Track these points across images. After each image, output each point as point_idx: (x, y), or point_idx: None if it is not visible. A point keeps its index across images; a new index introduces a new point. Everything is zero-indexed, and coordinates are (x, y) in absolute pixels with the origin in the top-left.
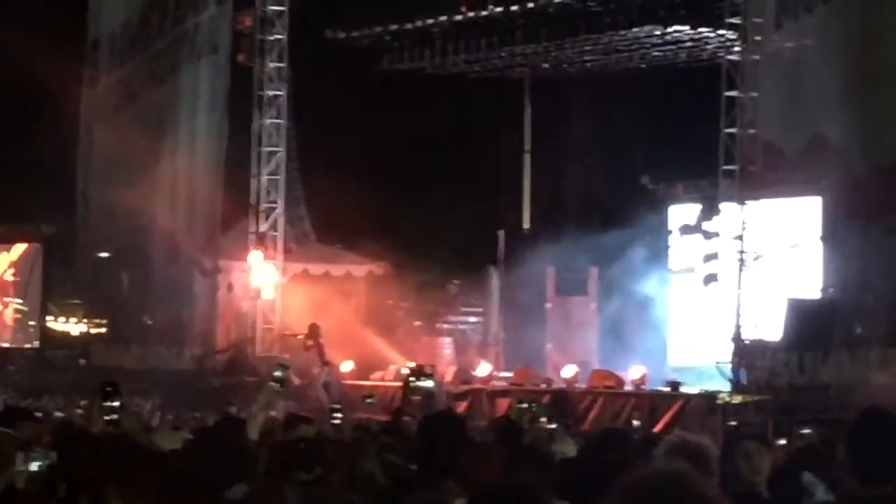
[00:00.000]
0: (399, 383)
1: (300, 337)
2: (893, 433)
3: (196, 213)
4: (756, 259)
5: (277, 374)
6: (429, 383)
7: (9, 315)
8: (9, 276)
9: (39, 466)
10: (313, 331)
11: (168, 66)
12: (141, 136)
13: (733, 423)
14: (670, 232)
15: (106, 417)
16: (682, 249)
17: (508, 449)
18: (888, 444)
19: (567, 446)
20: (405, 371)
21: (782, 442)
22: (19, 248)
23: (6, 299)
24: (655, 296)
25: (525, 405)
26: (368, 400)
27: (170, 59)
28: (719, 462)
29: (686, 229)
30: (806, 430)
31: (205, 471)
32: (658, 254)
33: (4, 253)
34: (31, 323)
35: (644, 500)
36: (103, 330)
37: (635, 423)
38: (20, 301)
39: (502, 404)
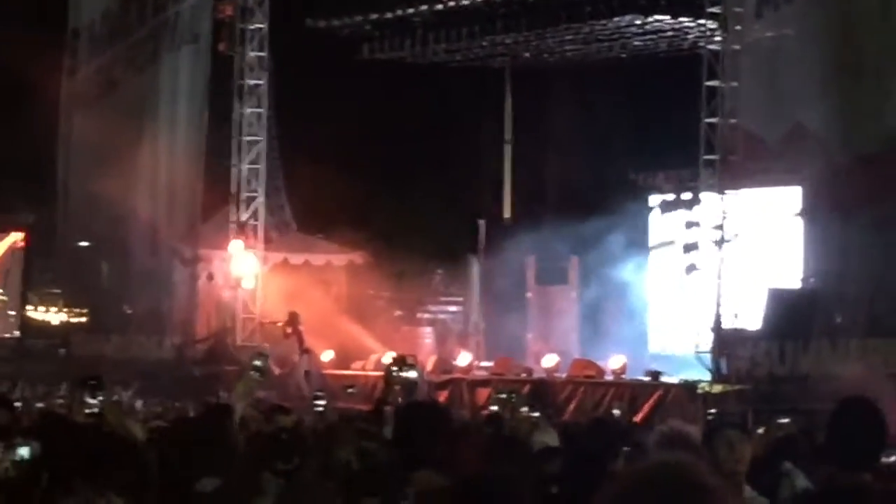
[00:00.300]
0: (380, 373)
1: (279, 324)
2: (871, 421)
3: (176, 203)
4: (734, 237)
5: (257, 363)
6: (411, 373)
7: None
8: None
9: (22, 457)
10: (292, 318)
11: (148, 55)
12: (121, 125)
13: (713, 411)
14: (651, 210)
15: (87, 411)
16: (661, 234)
17: (489, 439)
18: (866, 432)
19: (549, 436)
20: (387, 361)
21: (760, 431)
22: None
23: None
24: (635, 285)
25: (504, 395)
26: (350, 390)
27: (150, 48)
28: (703, 450)
29: (666, 206)
30: (784, 420)
31: (183, 460)
32: (638, 243)
33: None
34: (11, 312)
35: (647, 490)
36: (83, 319)
37: (615, 412)
38: (0, 291)
39: (483, 394)
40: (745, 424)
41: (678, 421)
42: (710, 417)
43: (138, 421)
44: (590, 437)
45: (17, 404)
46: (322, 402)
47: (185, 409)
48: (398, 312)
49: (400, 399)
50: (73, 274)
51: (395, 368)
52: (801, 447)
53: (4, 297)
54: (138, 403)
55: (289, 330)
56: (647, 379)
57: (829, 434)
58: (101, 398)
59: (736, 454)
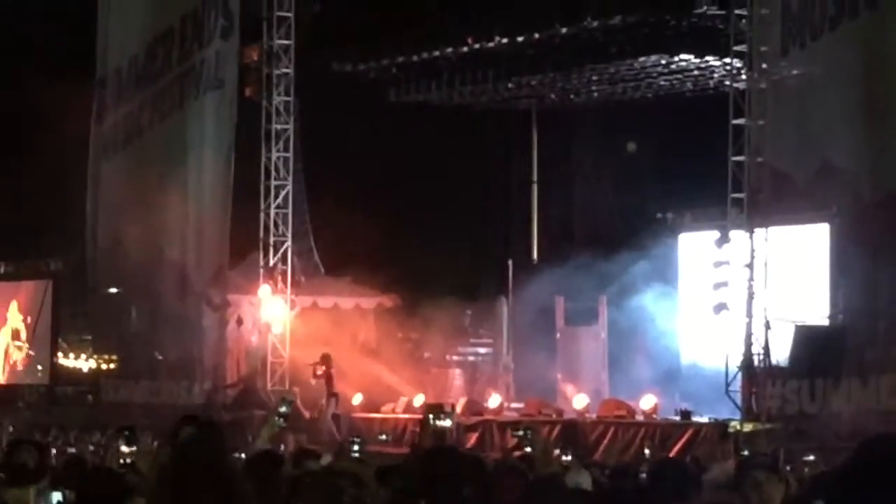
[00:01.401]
0: (410, 416)
1: (311, 364)
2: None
3: (204, 248)
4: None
5: (282, 409)
6: (447, 422)
7: (19, 357)
8: (17, 322)
9: (56, 502)
10: (325, 360)
11: (174, 101)
12: (148, 171)
13: (745, 452)
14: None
15: (122, 461)
16: (690, 273)
17: (524, 481)
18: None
19: (582, 477)
20: (419, 403)
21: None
22: (28, 289)
23: (17, 343)
24: (665, 324)
25: (521, 432)
26: (382, 436)
27: (176, 94)
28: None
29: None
30: (811, 458)
31: None
32: (668, 282)
33: (14, 301)
34: (39, 365)
35: None
36: (113, 366)
37: (646, 451)
38: (28, 344)
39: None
40: (775, 464)
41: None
42: (740, 458)
43: None
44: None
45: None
46: (357, 449)
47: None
48: (427, 354)
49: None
50: (102, 320)
51: (431, 416)
52: (832, 486)
53: (32, 352)
54: None
55: (319, 371)
56: (677, 418)
57: (852, 471)
58: (134, 448)
59: (763, 496)
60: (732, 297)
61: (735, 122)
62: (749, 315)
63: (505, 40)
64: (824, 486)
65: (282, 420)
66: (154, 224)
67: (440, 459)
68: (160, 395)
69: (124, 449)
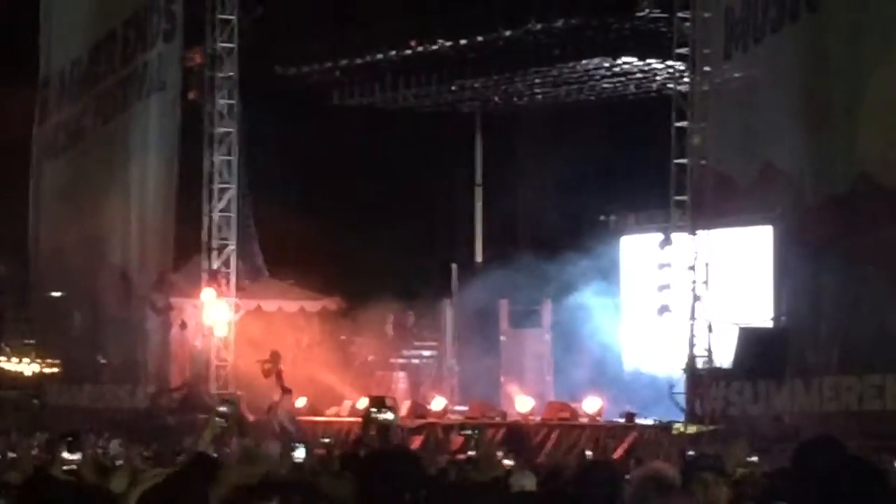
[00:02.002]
0: (354, 419)
1: (260, 361)
2: (837, 459)
3: (147, 251)
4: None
5: (222, 409)
6: (388, 415)
7: None
8: None
9: None
10: (274, 357)
11: (117, 104)
12: (91, 174)
13: (691, 453)
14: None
15: (65, 468)
16: (632, 275)
17: (467, 484)
18: (832, 469)
19: (527, 479)
20: (364, 402)
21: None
22: None
23: None
24: (608, 326)
25: (469, 431)
26: (324, 439)
27: (119, 97)
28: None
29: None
30: (754, 459)
31: None
32: (611, 285)
33: None
34: None
35: None
36: (57, 370)
37: (588, 453)
38: None
39: (458, 439)
40: (722, 466)
41: (659, 462)
42: (687, 459)
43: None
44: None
45: None
46: (301, 454)
47: (161, 457)
48: (371, 357)
49: (375, 441)
50: (45, 324)
51: (373, 409)
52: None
53: None
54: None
55: (268, 366)
56: (621, 420)
57: (794, 473)
58: (78, 455)
59: (710, 496)
60: (675, 300)
61: (677, 124)
62: (692, 317)
63: (448, 43)
64: (771, 489)
65: (223, 420)
66: (97, 228)
67: (381, 463)
68: (103, 398)
69: (67, 456)
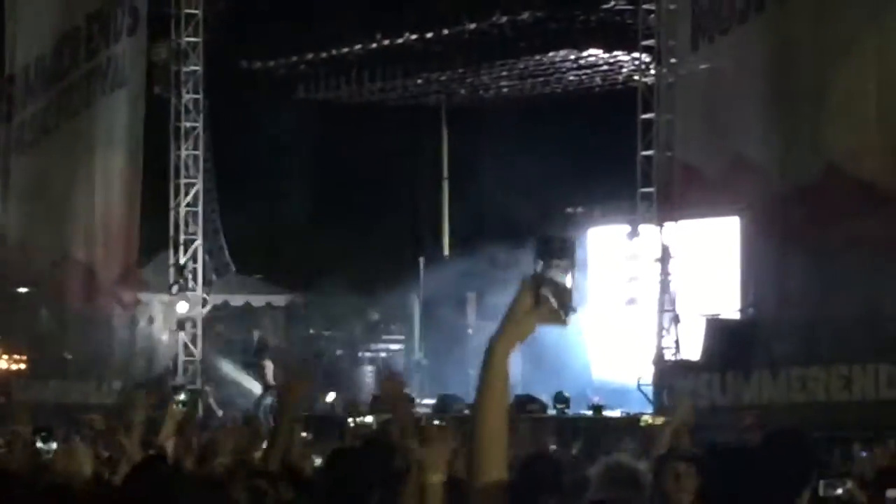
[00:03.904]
0: (321, 414)
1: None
2: (799, 451)
3: (113, 246)
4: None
5: (181, 397)
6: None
7: None
8: None
9: None
10: (261, 346)
11: (82, 99)
12: (57, 169)
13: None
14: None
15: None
16: (600, 267)
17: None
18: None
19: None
20: (329, 401)
21: None
22: None
23: None
24: (577, 319)
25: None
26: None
27: (83, 92)
28: (652, 484)
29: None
30: None
31: None
32: (579, 277)
33: None
34: None
35: None
36: (23, 366)
37: (552, 447)
38: None
39: None
40: (695, 457)
41: (623, 454)
42: (660, 451)
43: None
44: (525, 472)
45: None
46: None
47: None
48: (339, 352)
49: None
50: (11, 320)
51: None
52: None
53: None
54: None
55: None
56: (588, 413)
57: (757, 464)
58: (54, 446)
59: (682, 486)
60: (643, 291)
61: (644, 116)
62: (660, 309)
63: (414, 36)
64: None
65: (180, 405)
66: (63, 223)
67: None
68: (70, 394)
69: (41, 446)
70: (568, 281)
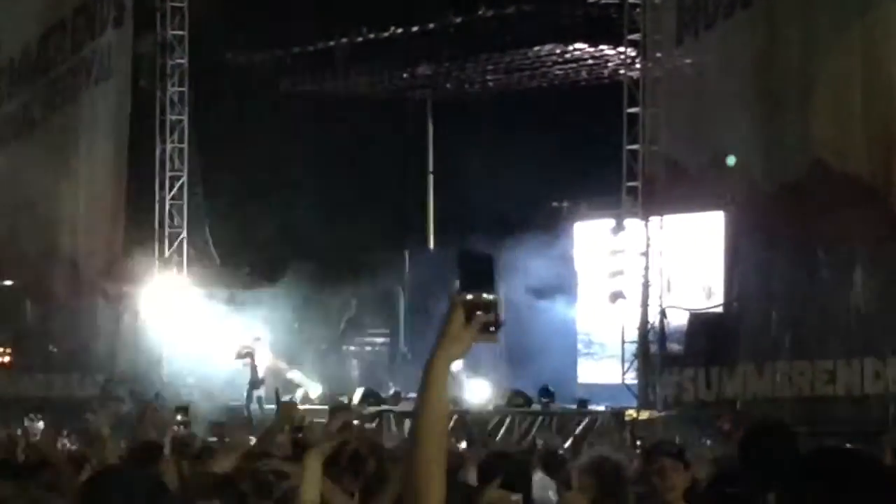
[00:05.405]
0: (307, 407)
1: (241, 347)
2: (783, 443)
3: (98, 240)
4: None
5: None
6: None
7: None
8: None
9: None
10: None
11: (67, 92)
12: (42, 162)
13: (651, 440)
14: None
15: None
16: (586, 261)
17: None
18: (777, 454)
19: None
20: (314, 396)
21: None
22: None
23: None
24: (562, 313)
25: None
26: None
27: (69, 85)
28: (638, 479)
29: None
30: (708, 443)
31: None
32: (564, 271)
33: None
34: None
35: None
36: (8, 359)
37: (538, 442)
38: None
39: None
40: (682, 452)
41: (606, 447)
42: (647, 446)
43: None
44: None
45: None
46: None
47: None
48: (324, 346)
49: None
50: None
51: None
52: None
53: None
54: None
55: (245, 352)
56: (573, 407)
57: (741, 457)
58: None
59: (668, 482)
60: (628, 286)
61: (629, 110)
62: (644, 303)
63: (399, 30)
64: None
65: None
66: (47, 216)
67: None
68: (54, 387)
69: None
70: (493, 296)
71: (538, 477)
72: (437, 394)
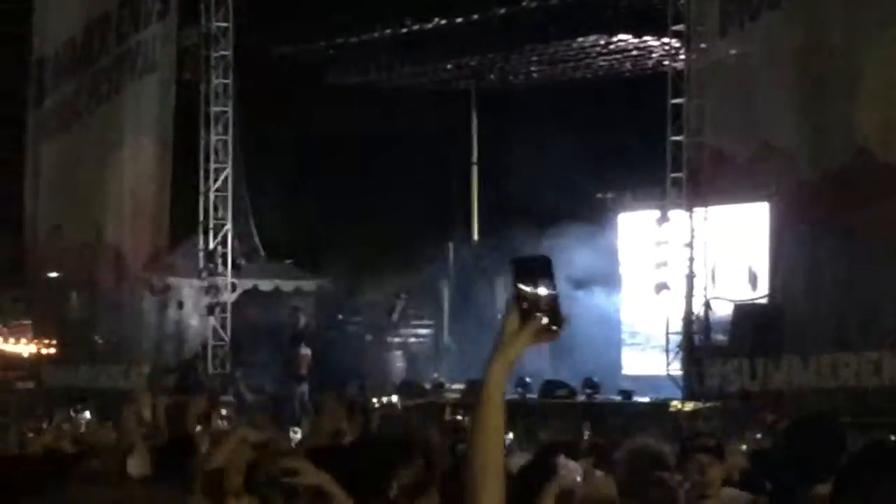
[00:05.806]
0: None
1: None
2: (828, 435)
3: (143, 231)
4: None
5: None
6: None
7: None
8: None
9: None
10: (298, 334)
11: (112, 84)
12: (87, 154)
13: (690, 433)
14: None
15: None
16: (630, 253)
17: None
18: (823, 446)
19: (522, 458)
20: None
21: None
22: None
23: None
24: (607, 304)
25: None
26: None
27: (114, 77)
28: (678, 468)
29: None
30: (758, 436)
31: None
32: (609, 262)
33: None
34: None
35: None
36: (53, 350)
37: (586, 433)
38: None
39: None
40: (720, 447)
41: (649, 438)
42: (685, 439)
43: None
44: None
45: None
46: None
47: None
48: (368, 337)
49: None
50: (42, 305)
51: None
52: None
53: None
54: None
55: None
56: (618, 398)
57: (786, 449)
58: (87, 415)
59: (706, 478)
60: (673, 277)
61: (673, 101)
62: (689, 294)
63: (443, 21)
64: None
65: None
66: (93, 208)
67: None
68: (99, 379)
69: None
70: (551, 294)
71: (563, 461)
72: (494, 401)
